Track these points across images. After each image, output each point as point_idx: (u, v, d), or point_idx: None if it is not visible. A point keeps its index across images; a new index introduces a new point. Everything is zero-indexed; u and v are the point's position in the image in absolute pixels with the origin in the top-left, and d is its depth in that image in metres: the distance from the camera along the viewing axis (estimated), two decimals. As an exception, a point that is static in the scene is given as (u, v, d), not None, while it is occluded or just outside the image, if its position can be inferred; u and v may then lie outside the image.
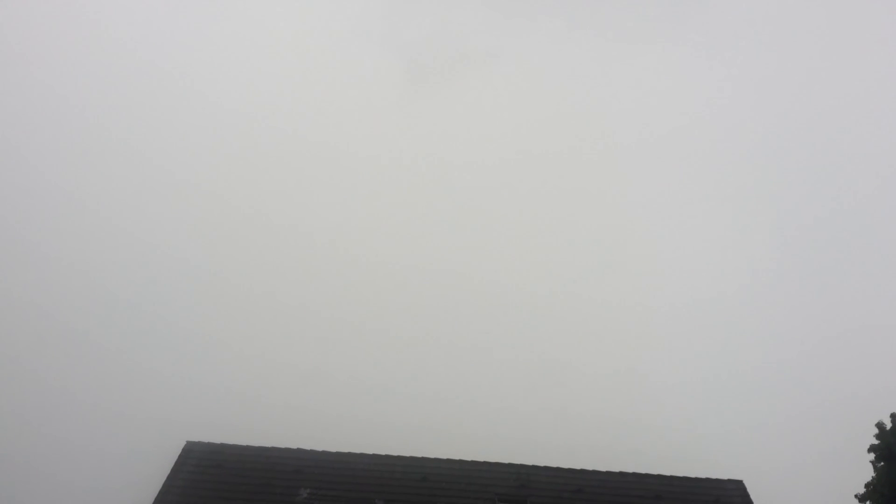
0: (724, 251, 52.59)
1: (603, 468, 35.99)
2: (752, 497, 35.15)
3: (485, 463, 35.72)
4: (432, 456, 35.63)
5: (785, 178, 54.13)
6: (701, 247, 52.28)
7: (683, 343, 48.10)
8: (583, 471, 35.77)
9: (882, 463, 33.27)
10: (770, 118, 55.59)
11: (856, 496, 33.65)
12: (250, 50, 51.47)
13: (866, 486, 33.53)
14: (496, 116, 52.82)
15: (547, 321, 47.57)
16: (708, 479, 35.83)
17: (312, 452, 35.22)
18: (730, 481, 35.84)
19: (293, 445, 35.46)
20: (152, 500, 32.61)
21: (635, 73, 54.67)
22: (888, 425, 33.48)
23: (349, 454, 35.34)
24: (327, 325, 44.65)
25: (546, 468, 35.74)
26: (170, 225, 46.10)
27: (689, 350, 47.93)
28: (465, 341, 45.60)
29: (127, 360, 40.76)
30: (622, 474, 35.75)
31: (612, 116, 54.11)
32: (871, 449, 33.69)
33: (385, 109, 51.28)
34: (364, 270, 46.94)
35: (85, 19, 49.84)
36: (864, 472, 33.71)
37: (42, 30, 48.84)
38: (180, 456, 34.56)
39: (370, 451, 35.54)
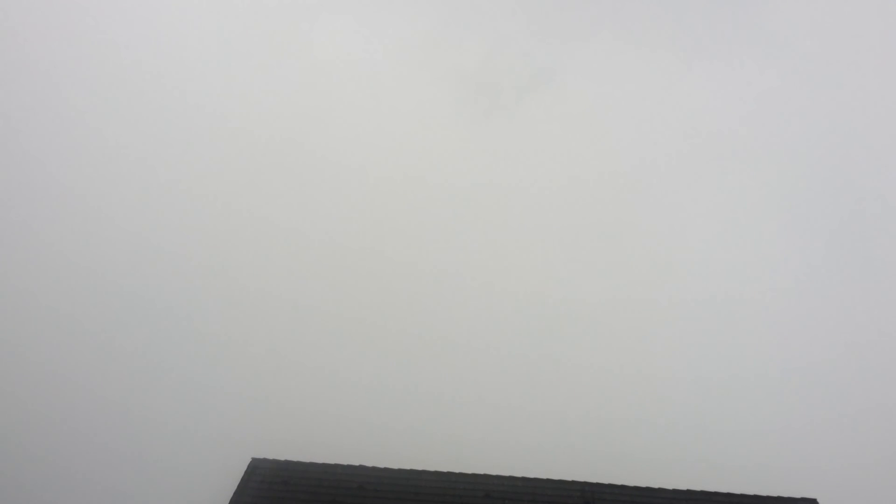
0: (790, 244, 50.70)
1: (670, 485, 35.46)
2: (827, 517, 34.21)
3: (548, 480, 35.44)
4: (495, 473, 35.50)
5: (820, 173, 52.11)
6: (761, 241, 50.56)
7: (757, 346, 46.43)
8: (649, 489, 35.36)
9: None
10: (814, 120, 53.83)
11: (939, 517, 32.38)
12: (308, 76, 51.75)
13: (949, 506, 32.23)
14: (549, 139, 52.19)
15: (614, 332, 46.70)
16: (780, 498, 34.99)
17: (374, 469, 35.43)
18: (803, 500, 34.95)
19: (356, 462, 35.66)
20: (218, 517, 33.21)
21: (685, 88, 53.48)
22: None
23: (411, 471, 35.43)
24: (392, 342, 44.71)
25: (612, 486, 35.34)
26: (240, 247, 46.62)
27: (761, 353, 46.22)
28: (533, 356, 45.12)
29: (192, 377, 41.43)
30: (689, 492, 35.18)
31: (647, 128, 53.00)
32: (956, 467, 32.40)
33: (442, 135, 51.11)
34: (423, 288, 46.86)
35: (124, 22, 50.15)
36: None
37: (44, 23, 49.17)
38: (246, 473, 35.10)
39: (432, 468, 35.55)
